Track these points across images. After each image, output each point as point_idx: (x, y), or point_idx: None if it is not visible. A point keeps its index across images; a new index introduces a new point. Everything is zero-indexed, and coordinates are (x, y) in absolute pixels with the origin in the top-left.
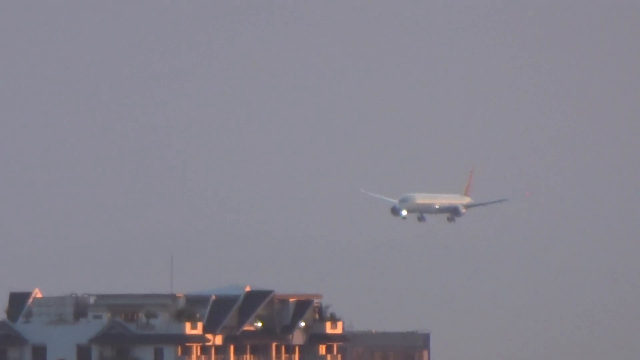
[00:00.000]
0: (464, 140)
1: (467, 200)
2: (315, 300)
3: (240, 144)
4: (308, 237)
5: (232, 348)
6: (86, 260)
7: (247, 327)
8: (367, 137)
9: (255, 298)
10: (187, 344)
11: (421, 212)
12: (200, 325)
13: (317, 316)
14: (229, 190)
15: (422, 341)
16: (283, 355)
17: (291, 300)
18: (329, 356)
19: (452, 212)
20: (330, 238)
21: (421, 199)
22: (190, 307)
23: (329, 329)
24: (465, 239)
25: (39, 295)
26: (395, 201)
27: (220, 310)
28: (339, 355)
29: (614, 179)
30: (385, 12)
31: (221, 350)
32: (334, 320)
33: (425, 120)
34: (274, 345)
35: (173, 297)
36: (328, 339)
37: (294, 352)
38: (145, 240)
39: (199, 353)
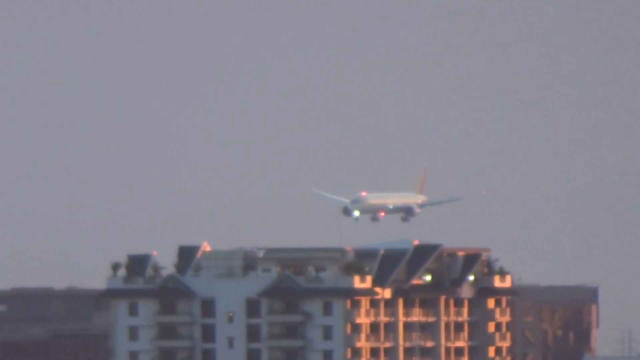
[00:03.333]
0: (416, 138)
1: (421, 198)
2: (484, 254)
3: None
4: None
5: (400, 302)
6: (255, 214)
7: (415, 281)
8: (319, 136)
9: (423, 252)
10: (356, 298)
11: (374, 213)
12: (369, 278)
13: (485, 270)
14: (393, 150)
15: (590, 295)
16: (452, 309)
17: (460, 253)
18: (497, 310)
19: (406, 212)
20: (499, 192)
21: (374, 198)
22: (359, 261)
23: (497, 282)
24: None
25: (208, 248)
26: (347, 201)
27: (388, 264)
28: (508, 309)
29: (569, 177)
30: (339, 15)
31: (390, 303)
32: (502, 273)
33: (376, 118)
34: (442, 298)
35: (342, 250)
36: (496, 292)
37: (462, 305)
38: (378, 180)
39: (367, 307)
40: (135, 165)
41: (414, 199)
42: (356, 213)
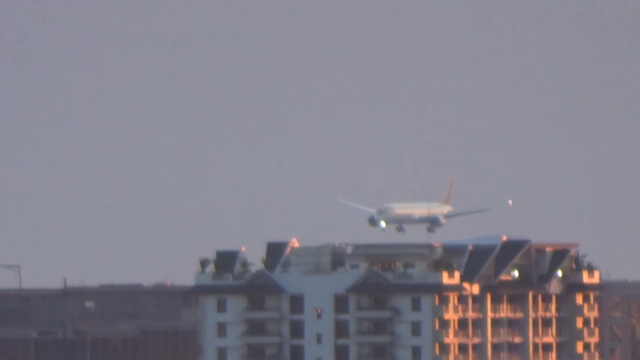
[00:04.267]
0: (444, 149)
1: (447, 208)
2: (572, 250)
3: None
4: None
5: (488, 297)
6: (342, 210)
7: (503, 277)
8: (346, 146)
9: (511, 247)
10: (444, 293)
11: (400, 223)
12: (457, 274)
13: (573, 265)
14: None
15: None
16: (540, 305)
17: (548, 249)
18: (585, 305)
19: (432, 222)
20: (587, 187)
21: (399, 208)
22: (447, 257)
23: (585, 278)
24: None
25: (296, 245)
26: (373, 211)
27: (477, 260)
28: (596, 305)
29: (595, 187)
30: (357, 20)
31: (478, 299)
32: (590, 269)
33: (403, 128)
34: (530, 294)
35: (430, 246)
36: (585, 288)
37: (550, 301)
38: (405, 189)
39: (456, 302)
40: (223, 162)
41: (440, 209)
42: (382, 223)
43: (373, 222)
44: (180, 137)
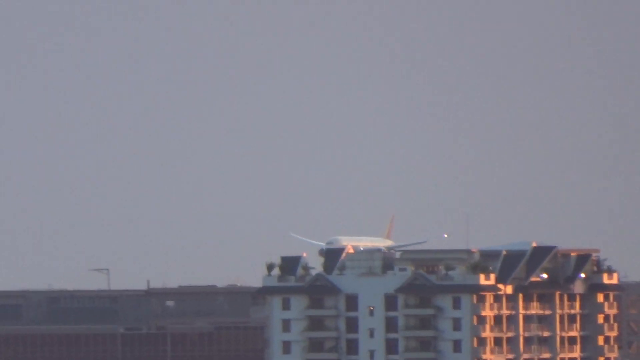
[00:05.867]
0: (384, 188)
1: (388, 242)
2: (594, 254)
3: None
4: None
5: (520, 297)
6: (396, 217)
7: (533, 278)
8: (299, 184)
9: (540, 253)
10: (482, 293)
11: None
12: (492, 276)
13: (595, 268)
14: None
15: None
16: (565, 303)
17: (572, 254)
18: (606, 304)
19: None
20: (605, 197)
21: (346, 241)
22: (484, 261)
23: (605, 279)
24: None
25: (351, 250)
26: (322, 244)
27: (510, 264)
28: (615, 303)
29: (615, 199)
30: (326, 57)
31: (511, 298)
32: (610, 272)
33: (349, 169)
34: (557, 294)
35: (469, 252)
36: (605, 288)
37: (575, 300)
38: (443, 200)
39: (491, 301)
40: (288, 174)
41: (382, 242)
42: None
43: (323, 253)
44: (250, 146)
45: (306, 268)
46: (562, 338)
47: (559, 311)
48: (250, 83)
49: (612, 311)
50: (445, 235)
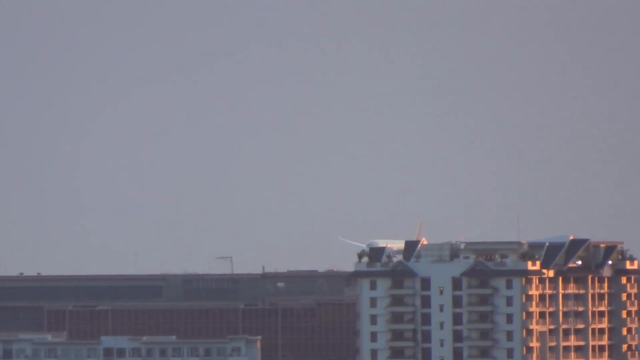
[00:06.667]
0: (416, 198)
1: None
2: (619, 246)
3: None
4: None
5: (560, 279)
6: (459, 217)
7: (570, 265)
8: (345, 193)
9: (576, 244)
10: (529, 276)
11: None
12: (538, 263)
13: (620, 257)
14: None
15: None
16: (596, 284)
17: (602, 245)
18: (628, 285)
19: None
20: (629, 197)
21: (382, 244)
22: (531, 251)
23: (628, 265)
24: None
25: (425, 242)
26: (364, 245)
27: (552, 253)
28: (636, 284)
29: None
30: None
31: (552, 280)
32: (631, 259)
33: (386, 180)
34: (589, 277)
35: (519, 243)
36: (628, 272)
37: (603, 282)
38: (494, 199)
39: (537, 283)
40: (369, 177)
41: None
42: None
43: (364, 253)
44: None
45: (389, 256)
46: (593, 312)
47: (590, 291)
48: (300, 94)
49: (634, 290)
50: (462, 239)
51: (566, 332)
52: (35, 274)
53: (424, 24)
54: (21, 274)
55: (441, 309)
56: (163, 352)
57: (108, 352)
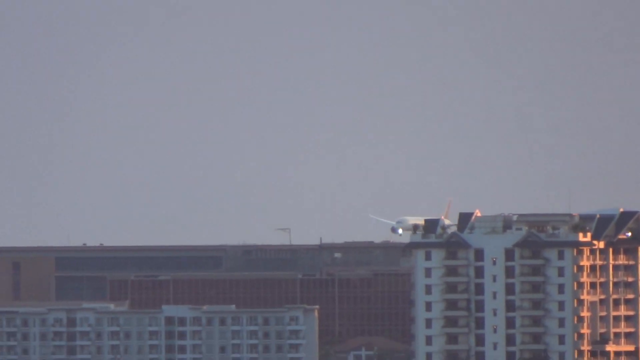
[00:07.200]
0: (445, 177)
1: (447, 221)
2: None
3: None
4: None
5: (610, 250)
6: (514, 189)
7: (620, 236)
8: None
9: (626, 216)
10: (580, 248)
11: (412, 230)
12: (589, 234)
13: None
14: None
15: None
16: None
17: None
18: None
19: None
20: None
21: (412, 220)
22: (582, 222)
23: None
24: None
25: (479, 214)
26: (393, 222)
27: (602, 225)
28: None
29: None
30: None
31: (603, 252)
32: None
33: (419, 163)
34: (639, 248)
35: (570, 215)
36: None
37: None
38: (546, 176)
39: (588, 254)
40: (419, 154)
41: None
42: (400, 231)
43: (394, 230)
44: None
45: (444, 228)
46: None
47: None
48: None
49: None
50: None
51: (616, 302)
52: (98, 245)
53: None
54: (84, 244)
55: (494, 279)
56: (222, 321)
57: (169, 320)
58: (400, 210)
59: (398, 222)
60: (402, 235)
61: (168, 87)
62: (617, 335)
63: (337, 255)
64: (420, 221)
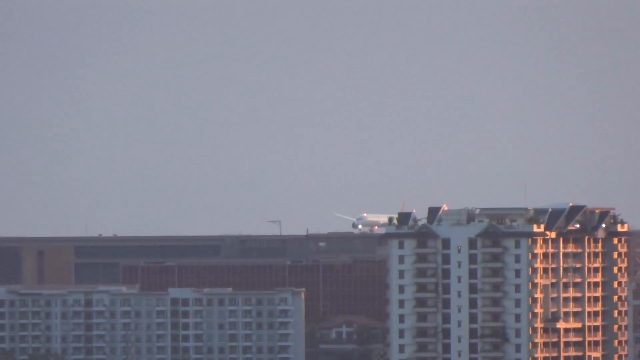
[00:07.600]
0: (403, 178)
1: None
2: (611, 211)
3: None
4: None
5: (561, 240)
6: (474, 188)
7: (570, 227)
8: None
9: (575, 210)
10: (534, 238)
11: (370, 226)
12: (542, 226)
13: (612, 220)
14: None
15: None
16: (592, 244)
17: (596, 211)
18: (619, 245)
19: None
20: (619, 169)
21: (370, 217)
22: (537, 215)
23: (619, 228)
24: None
25: (446, 208)
26: (354, 219)
27: (554, 217)
28: (625, 244)
29: (628, 169)
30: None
31: (554, 241)
32: (622, 223)
33: (378, 162)
34: (586, 238)
35: (526, 209)
36: (619, 234)
37: (598, 242)
38: (500, 171)
39: (541, 243)
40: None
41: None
42: (360, 226)
43: (354, 225)
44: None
45: (415, 220)
46: (589, 268)
47: (587, 250)
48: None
49: (624, 250)
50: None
51: (566, 285)
52: (112, 235)
53: None
54: (100, 235)
55: (459, 265)
56: (221, 302)
57: (174, 301)
58: (368, 207)
59: (358, 219)
60: (361, 231)
61: (171, 89)
62: (566, 314)
63: (322, 244)
64: (379, 218)
